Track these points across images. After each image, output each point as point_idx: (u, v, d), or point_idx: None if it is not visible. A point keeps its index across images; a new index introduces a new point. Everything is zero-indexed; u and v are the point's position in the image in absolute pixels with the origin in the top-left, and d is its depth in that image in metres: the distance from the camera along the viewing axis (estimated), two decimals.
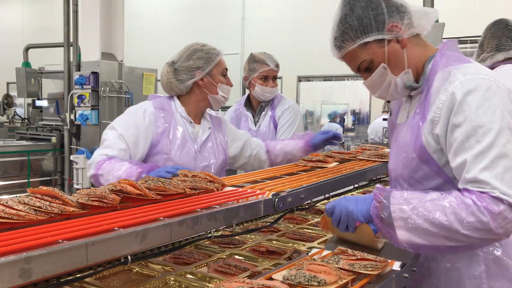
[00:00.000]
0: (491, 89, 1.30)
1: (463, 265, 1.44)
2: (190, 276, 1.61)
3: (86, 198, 1.18)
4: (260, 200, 1.45)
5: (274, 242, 1.97)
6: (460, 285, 1.45)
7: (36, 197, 1.11)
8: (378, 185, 1.39)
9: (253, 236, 2.03)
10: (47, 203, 1.09)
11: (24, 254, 0.85)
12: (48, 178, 6.58)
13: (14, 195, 1.14)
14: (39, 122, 7.27)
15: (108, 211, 1.20)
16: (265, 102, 3.12)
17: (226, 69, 2.26)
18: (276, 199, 1.50)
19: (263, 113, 3.13)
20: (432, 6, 3.69)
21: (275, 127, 3.09)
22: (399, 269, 1.32)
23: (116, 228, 1.04)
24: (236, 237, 1.97)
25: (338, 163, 2.23)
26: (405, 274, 1.32)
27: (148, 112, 2.16)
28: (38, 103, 7.45)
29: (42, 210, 1.07)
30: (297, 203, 1.66)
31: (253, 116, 3.16)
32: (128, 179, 1.33)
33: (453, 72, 1.37)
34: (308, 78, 9.55)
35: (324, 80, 9.32)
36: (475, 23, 4.92)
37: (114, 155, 2.06)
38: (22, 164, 6.33)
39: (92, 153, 5.06)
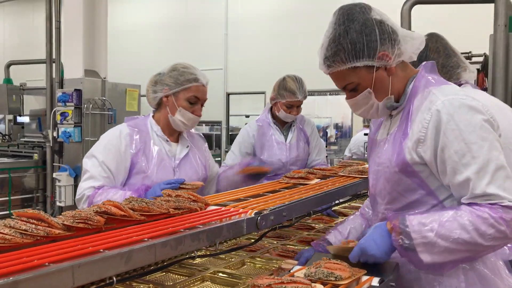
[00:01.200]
0: (473, 108, 1.38)
1: (446, 277, 1.49)
2: None
3: (72, 220, 1.20)
4: (242, 219, 1.48)
5: (258, 259, 2.00)
6: None
7: (22, 220, 1.13)
8: (389, 214, 1.46)
9: (237, 254, 2.06)
10: (33, 226, 1.11)
11: (11, 278, 0.86)
12: (30, 195, 6.50)
13: None
14: (21, 139, 7.21)
15: (93, 233, 1.22)
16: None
17: (196, 98, 2.20)
18: (259, 218, 1.53)
19: (293, 128, 3.28)
20: (409, 23, 3.80)
21: (307, 142, 3.29)
22: (378, 284, 1.36)
23: (101, 250, 1.06)
24: (220, 256, 2.00)
25: (319, 179, 2.28)
26: None
27: (123, 134, 2.19)
28: (20, 119, 7.40)
29: (28, 233, 1.09)
30: (279, 221, 1.69)
31: (281, 131, 3.27)
32: (112, 201, 1.35)
33: (432, 92, 1.45)
34: None
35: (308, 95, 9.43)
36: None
37: (99, 185, 2.08)
38: (3, 182, 6.25)
39: (75, 170, 5.04)
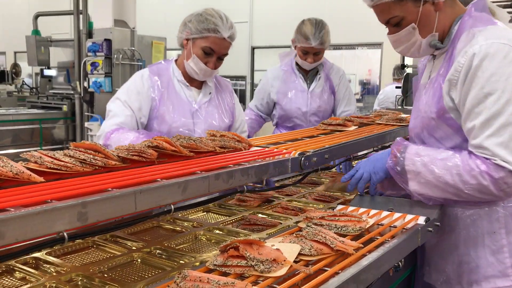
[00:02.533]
0: (508, 56, 1.33)
1: (483, 221, 1.49)
2: (218, 232, 1.68)
3: (126, 153, 1.23)
4: (287, 159, 1.49)
5: (294, 203, 2.03)
6: (479, 240, 1.50)
7: (80, 151, 1.16)
8: (398, 139, 1.50)
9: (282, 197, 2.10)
10: (91, 156, 1.14)
11: (80, 200, 0.90)
12: (60, 146, 6.65)
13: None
14: (50, 91, 7.31)
15: (146, 165, 1.25)
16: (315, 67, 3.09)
17: (212, 50, 2.12)
18: (302, 158, 1.54)
19: (318, 76, 3.09)
20: None
21: (333, 93, 3.12)
22: (424, 223, 1.37)
23: (158, 180, 1.09)
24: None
25: (357, 127, 2.27)
26: (429, 228, 1.38)
27: (145, 77, 2.19)
28: (46, 72, 7.48)
29: (87, 162, 1.12)
30: (321, 163, 1.69)
31: (305, 78, 3.12)
32: (163, 136, 1.37)
33: (476, 34, 1.39)
34: None
35: (334, 49, 9.26)
36: None
37: (121, 121, 2.10)
38: (33, 132, 6.41)
39: None
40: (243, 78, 10.41)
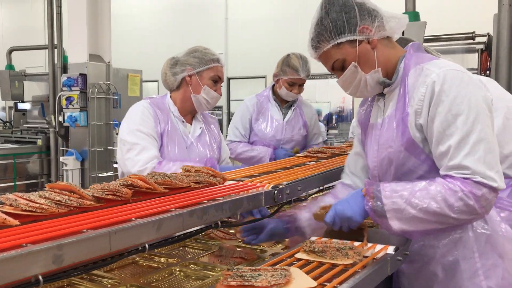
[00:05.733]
0: (464, 80, 1.43)
1: (458, 248, 1.54)
2: (193, 266, 1.69)
3: (101, 192, 1.25)
4: (261, 192, 1.53)
5: None
6: (456, 266, 1.54)
7: (55, 192, 1.17)
8: (366, 180, 1.51)
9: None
10: (66, 197, 1.16)
11: (55, 242, 0.91)
12: (34, 181, 6.56)
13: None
14: (24, 125, 7.23)
15: (121, 204, 1.27)
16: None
17: (219, 78, 2.32)
18: (276, 191, 1.58)
19: (292, 107, 3.27)
20: (414, 4, 3.82)
21: (305, 126, 3.28)
22: (393, 252, 1.41)
23: (133, 219, 1.11)
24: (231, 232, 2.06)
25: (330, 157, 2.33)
26: (399, 257, 1.42)
27: (149, 109, 2.27)
28: (20, 106, 7.42)
29: (62, 203, 1.14)
30: (294, 195, 1.74)
31: (280, 109, 3.26)
32: (138, 175, 1.40)
33: (425, 67, 1.50)
34: None
35: (308, 79, 9.43)
36: (454, 22, 5.09)
37: (156, 154, 2.17)
38: (7, 167, 6.31)
39: (81, 154, 5.07)
40: (219, 108, 10.50)
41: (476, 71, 3.89)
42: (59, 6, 6.01)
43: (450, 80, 1.42)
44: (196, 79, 2.27)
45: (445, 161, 1.41)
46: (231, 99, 10.54)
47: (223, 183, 1.67)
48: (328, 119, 10.73)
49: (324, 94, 9.60)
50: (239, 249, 1.85)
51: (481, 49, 3.76)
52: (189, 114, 2.38)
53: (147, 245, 1.13)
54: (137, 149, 2.17)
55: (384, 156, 1.60)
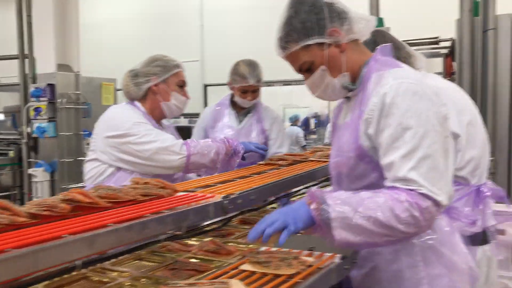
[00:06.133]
0: (417, 94, 1.40)
1: (403, 256, 1.54)
2: (144, 280, 1.66)
3: (36, 209, 1.22)
4: (209, 203, 1.51)
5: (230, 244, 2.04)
6: (401, 274, 1.55)
7: None
8: (313, 188, 1.45)
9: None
10: None
11: None
12: (7, 193, 6.44)
13: None
14: None
15: (57, 220, 1.24)
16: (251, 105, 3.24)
17: (184, 82, 2.37)
18: (226, 201, 1.57)
19: (250, 114, 3.23)
20: (378, 10, 3.85)
21: (263, 133, 3.22)
22: (340, 261, 1.41)
23: (64, 236, 1.08)
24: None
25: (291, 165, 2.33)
26: (346, 266, 1.42)
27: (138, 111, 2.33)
28: None
29: None
30: (247, 205, 1.73)
31: (237, 115, 3.24)
32: (78, 189, 1.37)
33: (384, 76, 1.48)
34: (268, 83, 9.70)
35: (284, 84, 9.48)
36: (421, 26, 5.16)
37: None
38: None
39: (51, 165, 4.99)
40: (196, 115, 10.44)
41: (442, 75, 3.94)
42: (29, 16, 5.93)
43: (403, 93, 1.40)
44: (164, 87, 2.30)
45: (391, 173, 1.39)
46: (208, 106, 10.50)
47: (173, 195, 1.65)
48: (306, 124, 10.78)
49: (302, 99, 9.63)
50: (195, 261, 1.83)
51: (446, 54, 3.81)
52: (157, 123, 2.39)
53: (78, 263, 1.10)
54: (154, 132, 2.21)
55: (340, 159, 1.61)
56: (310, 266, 1.34)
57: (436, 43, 3.90)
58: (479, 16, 3.54)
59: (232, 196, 1.61)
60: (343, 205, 1.36)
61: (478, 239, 1.92)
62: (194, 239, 2.16)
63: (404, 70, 1.52)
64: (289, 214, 1.41)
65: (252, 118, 3.21)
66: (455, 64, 3.73)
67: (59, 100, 4.86)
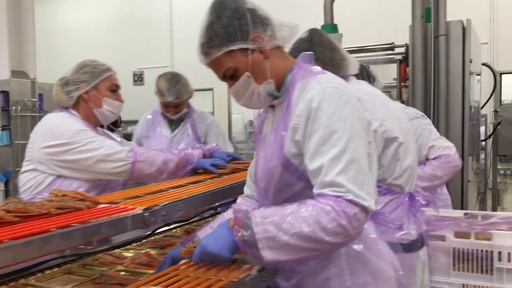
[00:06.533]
0: (343, 98, 1.40)
1: (331, 265, 1.51)
2: None
3: None
4: (126, 216, 1.46)
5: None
6: (328, 284, 1.52)
7: None
8: (234, 206, 1.40)
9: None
10: None
11: None
12: None
13: None
14: None
15: None
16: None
17: (117, 86, 2.31)
18: (147, 214, 1.52)
19: (182, 123, 3.24)
20: (332, 16, 3.86)
21: (197, 139, 3.21)
22: (257, 272, 1.37)
23: None
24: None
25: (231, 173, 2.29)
26: (264, 278, 1.38)
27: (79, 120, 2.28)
28: None
29: None
30: (173, 217, 1.68)
31: (170, 124, 3.25)
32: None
33: (309, 82, 1.46)
34: None
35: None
36: (377, 33, 5.21)
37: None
38: None
39: (5, 175, 4.86)
40: None
41: (396, 81, 3.97)
42: None
43: (329, 97, 1.39)
44: (94, 94, 2.25)
45: (318, 178, 1.36)
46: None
47: (94, 207, 1.60)
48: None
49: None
50: (122, 275, 1.78)
51: (400, 60, 3.84)
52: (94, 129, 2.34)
53: None
54: (99, 139, 2.17)
55: (267, 170, 1.57)
56: (221, 280, 1.30)
57: (391, 49, 3.92)
58: (431, 22, 3.58)
59: (154, 208, 1.57)
60: (267, 224, 1.29)
61: (416, 245, 1.92)
62: (132, 250, 2.12)
63: (328, 75, 1.50)
64: (214, 242, 1.35)
65: (185, 126, 3.23)
66: (409, 70, 3.75)
67: (13, 108, 4.74)
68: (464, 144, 3.57)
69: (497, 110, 6.35)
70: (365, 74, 2.72)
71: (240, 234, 1.31)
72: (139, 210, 1.53)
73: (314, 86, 1.43)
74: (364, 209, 1.31)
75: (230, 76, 1.53)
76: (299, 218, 1.28)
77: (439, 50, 3.53)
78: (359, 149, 1.36)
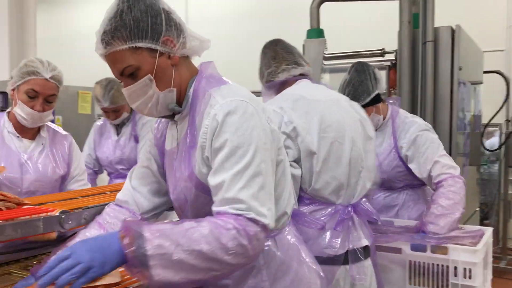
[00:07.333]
0: (248, 111, 1.33)
1: (250, 277, 1.45)
2: None
3: None
4: (38, 218, 1.46)
5: None
6: None
7: None
8: (127, 218, 1.30)
9: None
10: None
11: None
12: None
13: None
14: None
15: None
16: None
17: (35, 92, 2.12)
18: (64, 216, 1.51)
19: (124, 126, 3.35)
20: (318, 21, 3.81)
21: (136, 140, 3.30)
22: None
23: None
24: None
25: None
26: None
27: None
28: None
29: None
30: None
31: (116, 128, 3.39)
32: None
33: (213, 95, 1.39)
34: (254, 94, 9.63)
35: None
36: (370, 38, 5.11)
37: None
38: None
39: None
40: None
41: (385, 88, 3.88)
42: None
43: (233, 111, 1.32)
44: (15, 94, 2.16)
45: (219, 195, 1.29)
46: None
47: (14, 208, 1.61)
48: None
49: None
50: None
51: (389, 66, 3.75)
52: (29, 130, 2.26)
53: None
54: None
55: (180, 191, 1.50)
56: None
57: (382, 54, 3.84)
58: (419, 28, 3.49)
59: (78, 211, 1.57)
60: (162, 238, 1.17)
61: (338, 260, 1.84)
62: None
63: (231, 87, 1.43)
64: (96, 253, 1.17)
65: (128, 129, 3.33)
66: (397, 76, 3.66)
67: None
68: (451, 153, 3.46)
69: (510, 119, 6.14)
70: (371, 75, 2.64)
71: (128, 247, 1.16)
72: (56, 212, 1.53)
73: (218, 101, 1.36)
74: (264, 228, 1.25)
75: (128, 74, 1.41)
76: (198, 235, 1.19)
77: (426, 56, 3.43)
78: (263, 164, 1.30)
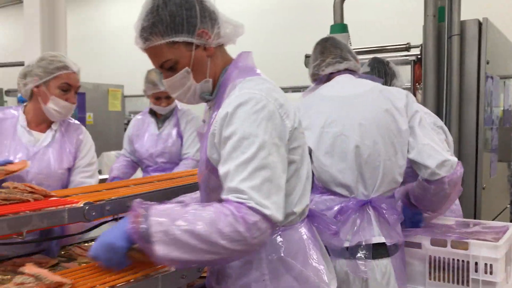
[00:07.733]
0: (259, 104, 1.35)
1: (252, 270, 1.48)
2: None
3: None
4: (63, 209, 1.53)
5: None
6: None
7: None
8: (136, 201, 1.35)
9: None
10: None
11: None
12: None
13: None
14: None
15: None
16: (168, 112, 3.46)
17: (68, 86, 2.22)
18: (87, 208, 1.58)
19: (168, 120, 3.45)
20: (342, 16, 3.80)
21: (180, 136, 3.40)
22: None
23: None
24: None
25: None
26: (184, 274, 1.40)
27: None
28: None
29: None
30: (119, 212, 1.70)
31: (157, 122, 3.48)
32: None
33: (238, 86, 1.43)
34: None
35: (293, 91, 9.40)
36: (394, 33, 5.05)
37: None
38: None
39: None
40: None
41: (410, 83, 3.84)
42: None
43: (245, 102, 1.35)
44: (43, 90, 2.21)
45: (225, 184, 1.33)
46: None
47: (41, 199, 1.68)
48: None
49: None
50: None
51: (414, 61, 3.71)
52: (44, 123, 2.33)
53: None
54: None
55: (201, 172, 1.58)
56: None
57: (407, 49, 3.80)
58: (444, 21, 3.43)
59: (100, 202, 1.62)
60: (164, 216, 1.25)
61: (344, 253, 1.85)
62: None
63: (256, 79, 1.46)
64: (111, 232, 1.33)
65: (170, 123, 3.37)
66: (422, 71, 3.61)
67: None
68: (478, 148, 3.40)
69: None
70: (382, 71, 2.65)
71: (135, 225, 1.26)
72: (80, 203, 1.59)
73: (235, 92, 1.40)
74: (267, 219, 1.26)
75: (168, 68, 1.48)
76: (197, 217, 1.25)
77: (452, 50, 3.38)
78: (271, 157, 1.31)
